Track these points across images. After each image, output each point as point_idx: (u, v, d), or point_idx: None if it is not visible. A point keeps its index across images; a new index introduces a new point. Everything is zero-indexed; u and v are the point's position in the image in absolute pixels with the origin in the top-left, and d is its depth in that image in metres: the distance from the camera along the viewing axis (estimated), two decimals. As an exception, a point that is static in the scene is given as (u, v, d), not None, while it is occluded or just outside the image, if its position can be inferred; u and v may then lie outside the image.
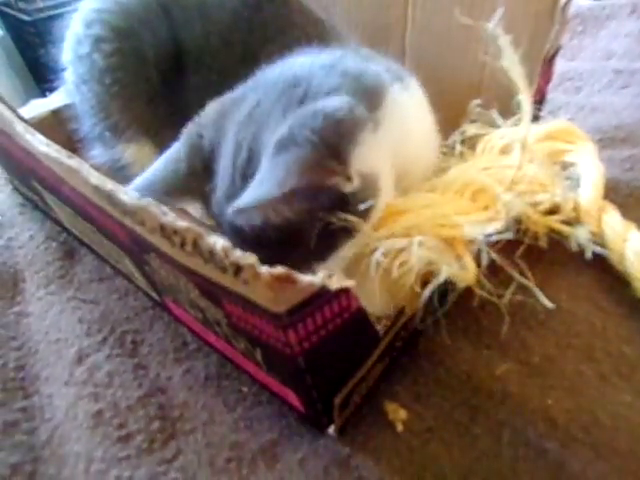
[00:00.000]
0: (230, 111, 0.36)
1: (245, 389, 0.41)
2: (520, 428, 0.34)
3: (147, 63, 0.48)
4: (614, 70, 0.69)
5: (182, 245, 0.25)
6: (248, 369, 0.40)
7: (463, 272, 0.34)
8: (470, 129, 0.43)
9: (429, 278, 0.39)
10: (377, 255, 0.32)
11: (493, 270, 0.37)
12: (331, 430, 0.37)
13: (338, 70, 0.35)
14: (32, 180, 0.51)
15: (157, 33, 0.49)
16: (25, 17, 1.29)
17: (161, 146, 0.42)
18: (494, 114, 0.48)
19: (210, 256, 0.24)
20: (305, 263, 0.33)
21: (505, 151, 0.46)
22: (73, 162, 0.28)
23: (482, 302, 0.43)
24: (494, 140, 0.47)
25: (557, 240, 0.41)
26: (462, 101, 0.57)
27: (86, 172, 0.27)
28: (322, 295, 0.25)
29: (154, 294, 0.46)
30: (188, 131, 0.37)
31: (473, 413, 0.36)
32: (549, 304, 0.34)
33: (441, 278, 0.34)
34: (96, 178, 0.27)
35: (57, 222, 0.58)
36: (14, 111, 0.36)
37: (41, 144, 0.30)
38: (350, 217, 0.32)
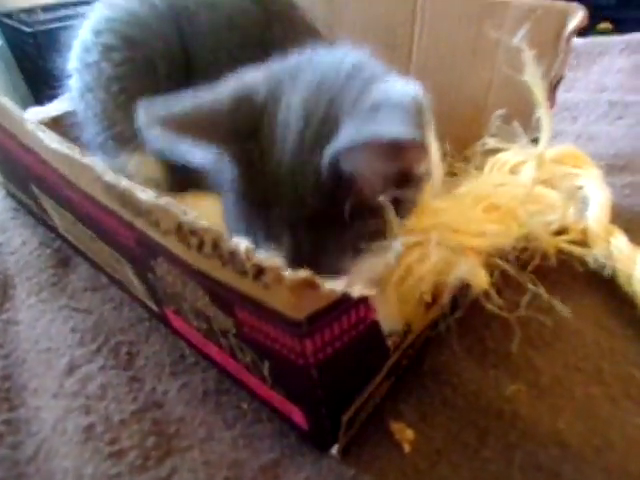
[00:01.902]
0: (286, 80, 0.35)
1: (245, 405, 0.40)
2: (532, 451, 0.33)
3: (157, 74, 0.48)
4: (609, 102, 0.71)
5: (200, 247, 0.24)
6: (249, 384, 0.38)
7: (477, 277, 0.34)
8: (490, 142, 0.44)
9: (439, 292, 0.39)
10: (396, 246, 0.31)
11: (501, 286, 0.37)
12: (334, 450, 0.36)
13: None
14: (31, 184, 0.50)
15: (168, 44, 0.49)
16: (25, 28, 1.29)
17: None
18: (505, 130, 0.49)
19: (230, 258, 0.23)
20: (342, 249, 0.32)
21: (514, 172, 0.47)
22: (87, 160, 0.27)
23: (486, 321, 0.43)
24: (502, 160, 0.47)
25: (561, 262, 0.41)
26: (466, 121, 0.58)
27: (100, 170, 0.26)
28: (342, 303, 0.24)
29: (152, 304, 0.44)
30: (232, 86, 0.35)
31: (482, 435, 0.35)
32: (566, 311, 0.33)
33: (457, 279, 0.34)
34: (111, 176, 0.26)
35: (52, 229, 0.57)
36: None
37: (53, 141, 0.29)
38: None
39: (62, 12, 1.27)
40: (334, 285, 0.23)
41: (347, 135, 0.30)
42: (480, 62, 0.54)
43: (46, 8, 1.32)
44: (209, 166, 0.34)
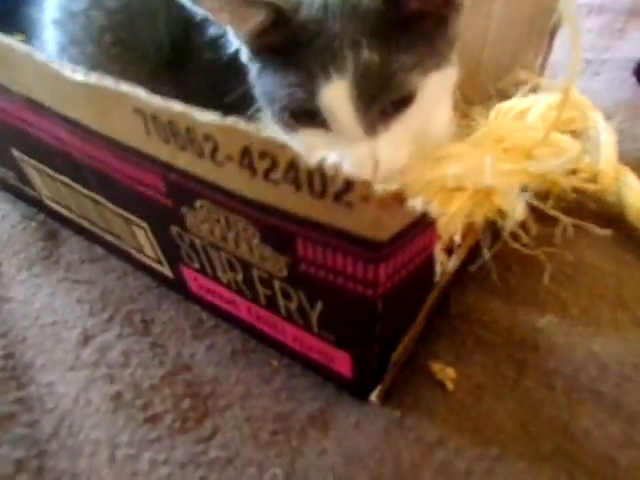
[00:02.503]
0: None
1: (275, 362, 0.39)
2: (572, 375, 0.34)
3: (158, 26, 0.44)
4: (585, 60, 0.73)
5: (269, 171, 0.23)
6: (282, 339, 0.37)
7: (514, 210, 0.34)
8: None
9: (467, 233, 0.39)
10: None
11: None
12: (373, 397, 0.36)
13: None
14: (11, 148, 0.45)
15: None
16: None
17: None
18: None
19: (307, 179, 0.22)
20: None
21: (518, 119, 0.48)
22: (124, 88, 0.25)
23: (506, 264, 0.44)
24: (506, 108, 0.48)
25: (574, 201, 0.43)
26: (461, 79, 0.58)
27: (144, 97, 0.24)
28: (419, 224, 0.24)
29: (164, 268, 0.42)
30: None
31: (520, 366, 0.36)
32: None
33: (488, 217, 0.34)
34: (159, 102, 0.24)
35: (34, 202, 0.52)
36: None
37: (75, 72, 0.26)
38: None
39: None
40: (415, 202, 0.22)
41: None
42: (476, 20, 0.54)
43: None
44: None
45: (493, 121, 0.43)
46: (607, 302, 0.39)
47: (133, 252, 0.44)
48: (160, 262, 0.42)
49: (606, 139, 0.45)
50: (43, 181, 0.47)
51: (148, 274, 0.46)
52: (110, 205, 0.40)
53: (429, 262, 0.29)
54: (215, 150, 0.24)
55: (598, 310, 0.38)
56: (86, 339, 0.39)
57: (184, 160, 0.26)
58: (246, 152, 0.23)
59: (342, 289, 0.27)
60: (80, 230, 0.49)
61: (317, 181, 0.22)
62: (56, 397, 0.37)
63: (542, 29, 0.50)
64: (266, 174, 0.23)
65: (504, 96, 0.47)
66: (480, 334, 0.39)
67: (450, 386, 0.35)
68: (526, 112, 0.48)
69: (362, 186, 0.20)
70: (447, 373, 0.36)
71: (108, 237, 0.46)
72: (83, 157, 0.36)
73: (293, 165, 0.21)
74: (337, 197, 0.22)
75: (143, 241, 0.41)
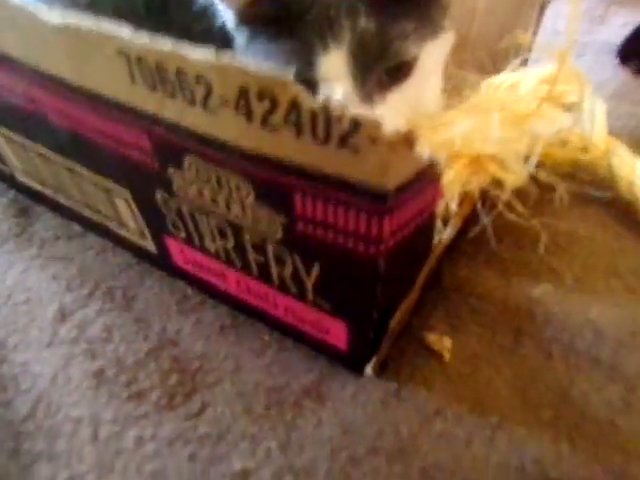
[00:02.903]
0: None
1: (266, 337, 0.37)
2: (568, 342, 0.34)
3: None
4: (567, 43, 0.74)
5: (268, 114, 0.21)
6: (273, 311, 0.36)
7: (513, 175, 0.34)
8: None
9: (463, 201, 0.38)
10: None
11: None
12: (368, 369, 0.35)
13: None
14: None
15: None
16: None
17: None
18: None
19: (310, 121, 0.20)
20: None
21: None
22: (106, 26, 0.23)
23: (498, 236, 0.43)
24: (497, 82, 0.48)
25: (566, 174, 0.43)
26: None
27: (128, 34, 0.22)
28: (424, 176, 0.23)
29: (147, 242, 0.40)
30: None
31: (517, 335, 0.35)
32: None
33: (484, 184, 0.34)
34: (144, 40, 0.22)
35: (5, 177, 0.49)
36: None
37: (54, 15, 0.24)
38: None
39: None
40: (422, 147, 0.21)
41: None
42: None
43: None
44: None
45: (485, 93, 0.42)
46: (600, 271, 0.38)
47: (113, 226, 0.42)
48: (143, 235, 0.40)
49: (597, 111, 0.44)
50: (15, 153, 0.44)
51: (129, 250, 0.44)
52: (89, 174, 0.38)
53: (430, 224, 0.28)
54: (208, 94, 0.22)
55: (592, 279, 0.38)
56: (63, 315, 0.37)
57: (173, 110, 0.25)
58: (243, 93, 0.21)
59: (342, 249, 0.26)
60: (55, 206, 0.47)
61: (321, 123, 0.20)
62: (32, 376, 0.35)
63: (532, 1, 0.49)
64: (264, 118, 0.21)
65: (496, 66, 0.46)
66: (475, 305, 0.38)
67: (447, 356, 0.35)
68: (517, 86, 0.48)
69: (370, 126, 0.19)
70: (443, 343, 0.35)
71: (86, 212, 0.44)
72: (59, 118, 0.34)
73: (295, 105, 0.20)
74: (342, 140, 0.20)
75: (124, 212, 0.39)
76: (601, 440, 0.30)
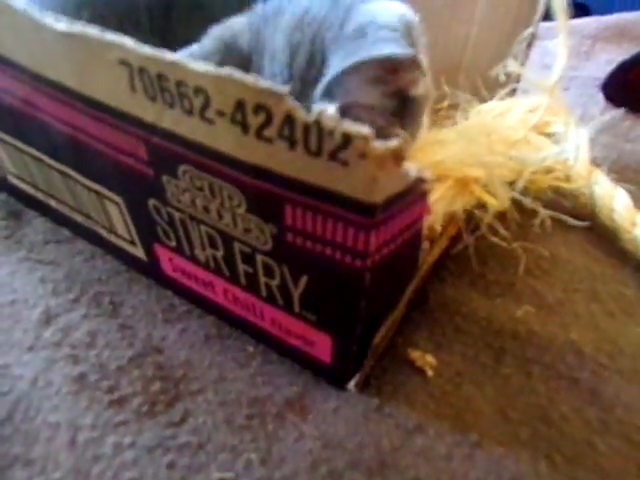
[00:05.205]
0: (270, 20, 0.33)
1: (251, 348, 0.37)
2: (550, 363, 0.35)
3: (137, 2, 0.43)
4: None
5: (262, 127, 0.22)
6: (259, 323, 0.36)
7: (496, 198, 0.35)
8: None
9: (448, 223, 0.39)
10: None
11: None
12: (351, 385, 0.35)
13: None
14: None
15: None
16: None
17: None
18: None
19: (303, 134, 0.21)
20: None
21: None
22: (110, 36, 0.24)
23: (483, 258, 0.44)
24: (486, 109, 0.49)
25: (549, 201, 0.44)
26: (443, 76, 0.59)
27: (131, 44, 0.23)
28: (412, 192, 0.23)
29: (137, 250, 0.40)
30: (217, 34, 0.33)
31: (499, 354, 0.36)
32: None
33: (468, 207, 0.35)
34: (148, 51, 0.23)
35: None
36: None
37: (58, 22, 0.25)
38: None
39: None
40: (411, 165, 0.22)
41: (334, 67, 0.29)
42: (458, 18, 0.56)
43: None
44: None
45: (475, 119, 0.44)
46: (581, 295, 0.39)
47: (103, 233, 0.42)
48: (133, 242, 0.40)
49: (580, 140, 0.46)
50: (9, 155, 0.44)
51: (118, 257, 0.44)
52: (83, 179, 0.38)
53: (416, 241, 0.29)
54: (206, 105, 0.23)
55: (573, 302, 0.39)
56: (48, 319, 0.37)
57: (171, 119, 0.25)
58: (240, 106, 0.22)
59: (329, 261, 0.26)
60: (46, 211, 0.47)
61: (313, 137, 0.21)
62: (11, 379, 0.34)
63: (522, 34, 0.51)
64: (259, 131, 0.22)
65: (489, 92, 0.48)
66: (459, 324, 0.39)
67: (430, 372, 0.35)
68: (506, 113, 0.50)
69: (360, 141, 0.20)
70: (427, 359, 0.36)
71: (77, 217, 0.44)
72: (58, 125, 0.34)
73: (289, 119, 0.21)
74: (333, 155, 0.21)
75: (116, 218, 0.39)
76: (579, 459, 0.30)
